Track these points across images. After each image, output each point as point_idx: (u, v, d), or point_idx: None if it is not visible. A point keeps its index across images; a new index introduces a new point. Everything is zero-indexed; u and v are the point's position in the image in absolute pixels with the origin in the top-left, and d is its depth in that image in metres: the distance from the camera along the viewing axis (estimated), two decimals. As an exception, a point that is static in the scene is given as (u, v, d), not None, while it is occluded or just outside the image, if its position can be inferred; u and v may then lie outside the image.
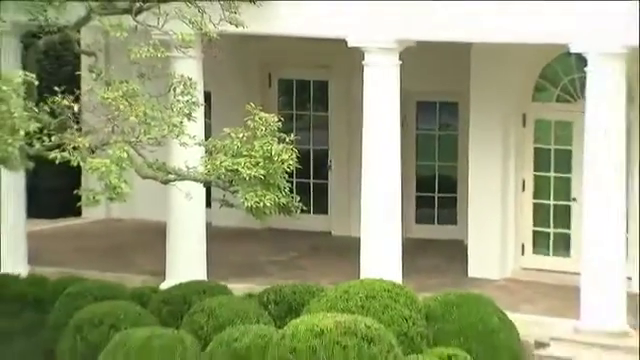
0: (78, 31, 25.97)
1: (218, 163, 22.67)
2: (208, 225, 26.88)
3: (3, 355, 24.54)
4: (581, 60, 23.78)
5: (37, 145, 22.00)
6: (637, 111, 24.87)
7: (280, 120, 22.97)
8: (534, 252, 27.57)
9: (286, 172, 22.69)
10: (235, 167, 22.49)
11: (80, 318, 23.36)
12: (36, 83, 22.52)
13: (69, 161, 22.40)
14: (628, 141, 23.96)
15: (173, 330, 22.78)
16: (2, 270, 27.07)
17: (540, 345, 23.45)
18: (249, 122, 22.76)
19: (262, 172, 22.47)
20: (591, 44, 23.23)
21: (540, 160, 27.49)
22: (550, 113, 27.37)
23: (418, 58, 25.52)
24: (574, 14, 23.15)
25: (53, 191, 28.96)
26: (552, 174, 27.40)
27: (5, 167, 22.84)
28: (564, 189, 27.09)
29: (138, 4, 24.44)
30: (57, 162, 22.29)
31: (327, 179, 31.36)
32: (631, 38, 22.89)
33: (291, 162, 22.64)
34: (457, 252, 28.02)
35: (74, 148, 22.30)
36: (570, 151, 26.77)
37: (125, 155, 22.18)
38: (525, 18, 23.54)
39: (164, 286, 25.81)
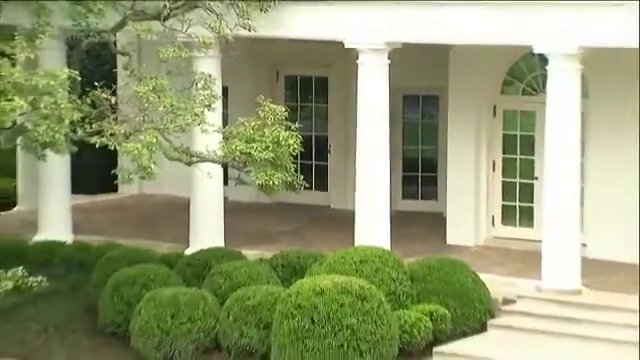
0: (114, 34, 26.02)
1: (234, 147, 22.81)
2: (225, 200, 26.82)
3: (53, 310, 24.59)
4: (543, 59, 23.74)
5: (80, 132, 22.24)
6: (589, 105, 24.84)
7: (286, 110, 23.18)
8: (503, 223, 27.61)
9: (292, 155, 22.89)
10: (248, 151, 22.63)
11: (117, 279, 23.52)
12: (79, 79, 22.75)
13: (107, 145, 22.60)
14: (583, 128, 23.93)
15: (196, 289, 22.99)
16: (51, 238, 27.21)
17: (507, 301, 23.52)
18: (260, 112, 22.93)
19: (271, 155, 22.62)
20: (551, 46, 23.23)
21: (508, 144, 27.48)
22: (516, 104, 27.37)
23: (404, 58, 25.39)
24: (537, 19, 23.12)
25: (93, 171, 28.90)
26: (518, 156, 27.37)
27: (52, 150, 22.93)
28: (528, 169, 27.06)
29: (165, 11, 24.50)
30: (97, 146, 22.52)
31: (327, 161, 31.15)
32: (585, 40, 22.93)
33: (296, 146, 22.83)
34: (437, 223, 27.93)
35: (111, 134, 22.49)
36: (533, 137, 26.77)
37: (154, 140, 22.34)
38: (495, 23, 23.52)
39: (188, 252, 25.90)
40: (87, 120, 22.36)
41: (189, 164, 24.33)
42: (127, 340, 22.70)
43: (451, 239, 27.50)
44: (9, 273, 25.16)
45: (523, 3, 23.20)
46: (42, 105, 21.36)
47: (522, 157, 27.30)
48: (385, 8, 24.35)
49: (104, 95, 22.67)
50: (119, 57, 28.71)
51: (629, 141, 25.39)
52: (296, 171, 23.34)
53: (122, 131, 22.52)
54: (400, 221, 26.24)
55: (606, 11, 22.56)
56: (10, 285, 24.84)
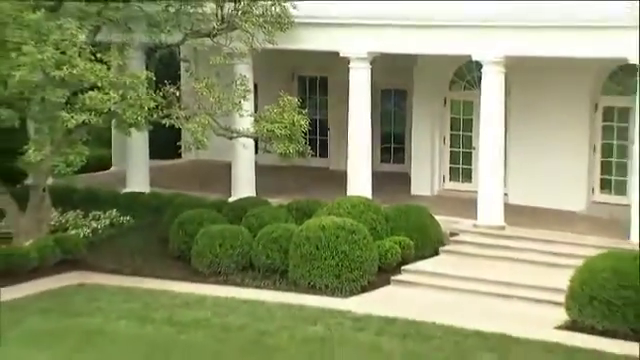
0: (179, 47, 26.14)
1: (262, 127, 23.16)
2: (255, 164, 26.65)
3: (136, 240, 24.74)
4: (478, 65, 23.75)
5: (155, 115, 22.37)
6: (510, 96, 24.84)
7: (299, 101, 23.44)
8: (450, 180, 27.45)
9: (302, 132, 23.15)
10: (272, 129, 22.96)
11: (181, 218, 23.51)
12: (154, 78, 22.86)
13: (173, 125, 22.82)
14: (506, 113, 23.96)
15: (236, 226, 23.01)
16: (135, 190, 27.31)
17: (453, 234, 23.60)
18: (280, 102, 23.21)
19: (288, 132, 22.99)
20: (483, 55, 23.22)
21: (454, 125, 27.18)
22: (460, 96, 26.99)
23: (382, 64, 25.36)
24: (474, 37, 23.09)
25: (164, 143, 28.86)
26: (461, 133, 27.06)
27: (135, 129, 23.13)
28: (468, 142, 26.82)
29: (214, 31, 24.51)
30: (166, 125, 22.79)
31: (327, 136, 30.82)
32: (506, 51, 22.87)
33: (305, 126, 23.12)
34: (404, 180, 27.56)
35: (176, 117, 22.75)
36: (472, 119, 26.45)
37: (206, 122, 22.71)
38: (446, 40, 23.45)
39: (230, 200, 25.80)
40: (160, 107, 22.45)
41: (230, 138, 24.66)
42: (188, 261, 22.80)
43: (414, 191, 27.16)
44: (107, 213, 25.60)
45: (464, 26, 23.08)
46: (128, 97, 21.55)
47: (464, 133, 26.96)
48: (367, 29, 24.26)
49: (171, 90, 22.78)
50: (182, 63, 28.80)
51: (537, 121, 25.32)
52: (305, 143, 23.60)
53: (184, 115, 22.75)
54: (379, 178, 25.94)
55: (522, 30, 22.55)
56: (107, 222, 25.34)
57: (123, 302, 20.75)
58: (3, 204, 23.73)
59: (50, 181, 23.50)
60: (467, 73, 26.35)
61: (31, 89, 20.85)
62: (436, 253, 23.10)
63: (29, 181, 24.97)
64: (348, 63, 24.99)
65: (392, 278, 21.97)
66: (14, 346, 18.10)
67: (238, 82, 23.94)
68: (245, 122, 24.06)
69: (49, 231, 23.77)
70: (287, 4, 24.16)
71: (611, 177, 25.00)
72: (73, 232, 24.25)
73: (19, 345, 18.16)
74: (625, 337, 18.42)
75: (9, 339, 18.49)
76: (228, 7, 24.25)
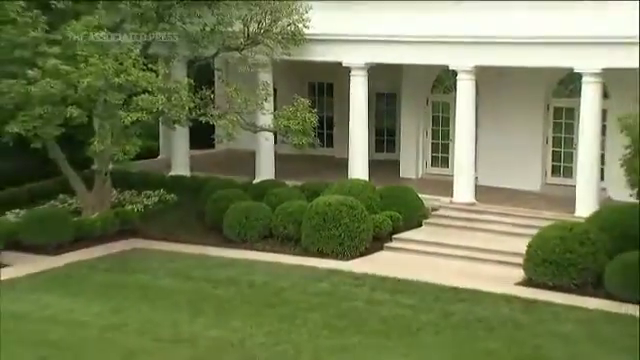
0: (213, 59, 26.06)
1: (280, 123, 23.09)
2: (275, 153, 26.48)
3: (179, 214, 24.60)
4: (454, 73, 23.52)
5: (193, 114, 22.32)
6: (480, 98, 24.48)
7: (309, 102, 23.34)
8: (432, 165, 27.03)
9: (312, 127, 23.08)
10: (288, 124, 22.91)
11: (215, 196, 23.43)
12: (193, 84, 22.79)
13: (209, 121, 22.83)
14: (476, 112, 23.75)
15: (258, 202, 22.90)
16: (178, 174, 27.20)
17: (434, 209, 23.52)
18: (294, 103, 23.15)
19: (301, 127, 22.85)
20: (457, 65, 23.14)
21: (435, 121, 26.79)
22: (439, 98, 26.56)
23: (377, 72, 25.00)
24: (450, 51, 23.00)
25: (201, 135, 28.62)
26: (440, 128, 26.64)
27: (178, 124, 23.15)
28: (446, 135, 26.42)
29: (241, 46, 24.37)
30: (203, 122, 22.79)
31: (332, 130, 30.48)
32: (476, 62, 22.77)
33: (314, 122, 23.06)
34: (395, 166, 27.25)
35: (211, 115, 22.70)
36: (449, 117, 25.97)
37: (235, 119, 22.67)
38: (428, 53, 23.34)
39: (254, 182, 25.69)
40: (197, 107, 22.37)
41: (255, 132, 24.59)
42: (220, 231, 22.77)
43: (402, 175, 26.87)
44: (155, 192, 25.54)
45: (443, 42, 22.97)
46: (173, 99, 21.50)
47: (442, 128, 26.59)
48: (364, 44, 24.16)
49: (207, 93, 22.82)
50: (215, 71, 28.66)
51: (501, 118, 25.12)
52: (315, 136, 23.55)
53: (217, 113, 22.71)
54: (374, 165, 25.67)
55: (488, 45, 22.47)
56: (156, 199, 25.28)
57: (168, 263, 20.88)
58: (74, 185, 23.95)
59: (110, 167, 23.53)
60: (445, 79, 25.99)
61: (96, 93, 20.91)
62: (420, 225, 22.98)
63: (94, 167, 24.95)
64: (349, 71, 24.82)
65: (385, 245, 21.92)
66: (83, 296, 18.36)
67: (261, 87, 24.02)
68: (266, 119, 24.13)
69: (110, 206, 23.85)
70: (300, 25, 24.02)
71: (560, 163, 24.80)
72: (129, 207, 24.25)
73: (87, 296, 18.42)
74: (569, 291, 18.64)
75: (79, 291, 18.76)
76: (253, 27, 24.15)
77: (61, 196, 25.16)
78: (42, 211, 23.06)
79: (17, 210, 23.93)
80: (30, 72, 20.59)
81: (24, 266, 20.62)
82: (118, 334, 16.31)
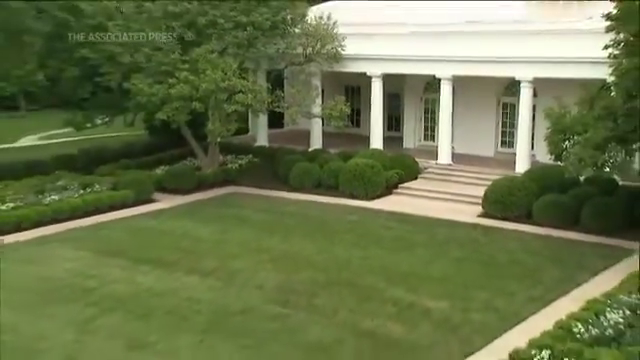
0: (283, 70, 25.78)
1: (326, 112, 22.87)
2: (323, 131, 25.57)
3: (262, 171, 23.75)
4: (439, 79, 22.83)
5: (270, 106, 22.03)
6: (456, 96, 23.66)
7: (345, 98, 23.16)
8: (424, 140, 25.82)
9: (346, 114, 22.84)
10: (331, 113, 22.63)
11: (284, 160, 23.18)
12: (270, 87, 22.57)
13: (280, 111, 22.40)
14: (453, 104, 23.18)
15: (312, 164, 22.56)
16: (259, 144, 26.30)
17: (425, 168, 22.97)
18: (335, 99, 22.98)
19: (339, 114, 22.70)
20: (441, 74, 22.72)
21: (426, 111, 25.74)
22: (430, 96, 25.34)
23: (389, 78, 24.45)
24: (435, 66, 22.64)
25: (275, 119, 26.79)
26: (430, 115, 25.59)
27: (261, 113, 22.86)
28: (433, 120, 24.96)
29: (301, 62, 23.97)
30: (276, 111, 22.56)
31: (360, 116, 29.42)
32: (453, 72, 22.30)
33: (348, 112, 22.85)
34: (399, 141, 26.32)
35: (282, 107, 22.23)
36: (435, 108, 24.74)
37: (297, 109, 22.30)
38: (421, 66, 22.95)
39: (309, 150, 24.56)
40: (273, 102, 22.21)
41: (309, 118, 24.32)
42: (288, 182, 22.35)
43: (405, 146, 25.80)
44: (246, 157, 25.28)
45: (431, 60, 22.56)
46: (257, 96, 21.36)
47: (431, 116, 25.50)
48: (380, 61, 23.73)
49: (279, 93, 22.63)
50: (284, 79, 28.42)
51: (469, 109, 24.46)
52: (348, 120, 23.51)
53: (285, 106, 22.54)
54: (386, 140, 25.22)
55: (462, 62, 22.04)
56: (247, 161, 24.98)
57: (255, 201, 21.01)
58: (197, 151, 24.17)
59: (218, 140, 23.69)
60: (433, 84, 24.57)
61: (210, 93, 20.92)
62: (416, 178, 22.63)
63: (209, 140, 24.48)
64: (370, 79, 24.35)
65: (393, 191, 21.70)
66: (201, 222, 18.67)
67: (313, 88, 23.86)
68: (317, 109, 23.93)
69: (218, 165, 23.95)
70: (339, 48, 23.69)
71: (506, 138, 24.29)
72: (230, 166, 24.23)
73: (204, 221, 18.70)
74: (512, 220, 18.59)
75: (200, 218, 18.99)
76: (308, 50, 23.83)
77: (188, 158, 25.25)
78: (177, 168, 23.21)
79: (162, 167, 24.18)
80: (170, 80, 20.79)
81: (167, 202, 21.01)
82: (223, 245, 16.73)
